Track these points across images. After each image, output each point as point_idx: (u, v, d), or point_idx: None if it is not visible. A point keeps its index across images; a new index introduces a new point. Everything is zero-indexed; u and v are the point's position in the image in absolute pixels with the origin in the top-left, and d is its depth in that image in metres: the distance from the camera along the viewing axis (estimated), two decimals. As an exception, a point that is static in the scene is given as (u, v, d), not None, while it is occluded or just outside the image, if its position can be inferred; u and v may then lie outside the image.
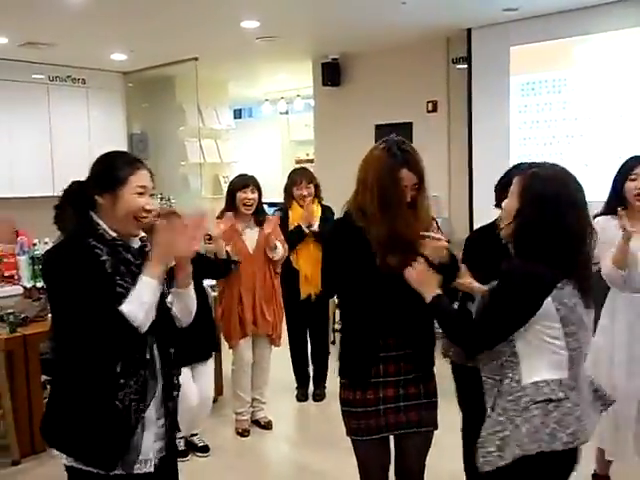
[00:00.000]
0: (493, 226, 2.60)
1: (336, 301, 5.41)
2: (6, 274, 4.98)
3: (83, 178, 2.03)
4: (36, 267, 5.01)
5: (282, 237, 4.30)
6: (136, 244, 2.02)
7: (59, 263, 1.89)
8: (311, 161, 8.23)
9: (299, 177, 4.66)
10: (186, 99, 7.68)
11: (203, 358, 3.92)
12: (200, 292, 3.77)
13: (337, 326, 6.38)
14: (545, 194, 1.91)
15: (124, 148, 7.64)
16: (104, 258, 1.89)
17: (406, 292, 2.16)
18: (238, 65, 7.32)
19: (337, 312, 6.12)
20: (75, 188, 2.04)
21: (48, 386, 4.40)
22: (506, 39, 5.77)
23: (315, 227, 4.53)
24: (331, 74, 7.00)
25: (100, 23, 5.44)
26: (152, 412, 1.98)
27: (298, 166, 9.19)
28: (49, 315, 4.18)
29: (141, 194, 1.96)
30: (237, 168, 8.56)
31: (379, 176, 2.26)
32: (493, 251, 2.42)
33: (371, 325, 2.28)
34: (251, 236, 4.15)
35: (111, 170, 1.96)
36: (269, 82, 8.62)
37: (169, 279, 2.06)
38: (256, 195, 4.13)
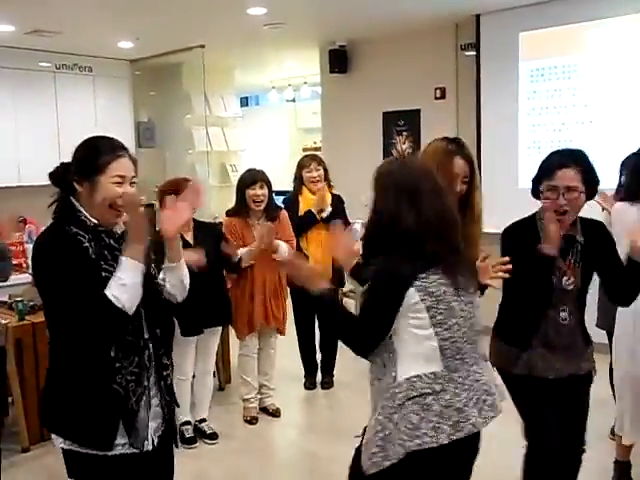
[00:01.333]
0: (533, 219, 2.56)
1: (344, 290, 5.40)
2: (14, 262, 4.99)
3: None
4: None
5: (290, 232, 4.29)
6: (119, 229, 2.01)
7: (44, 253, 1.90)
8: (318, 149, 8.19)
9: (308, 160, 4.68)
10: (193, 87, 7.64)
11: (216, 324, 3.97)
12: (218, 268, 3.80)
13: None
14: (393, 185, 1.95)
15: (131, 136, 7.65)
16: (86, 245, 1.89)
17: None
18: (245, 52, 7.28)
19: (344, 300, 6.12)
20: (60, 171, 2.01)
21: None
22: (516, 25, 5.70)
23: (326, 214, 4.52)
24: (338, 61, 6.94)
25: (107, 11, 5.41)
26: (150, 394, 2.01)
27: (306, 154, 9.27)
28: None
29: (119, 183, 1.93)
30: (244, 156, 8.56)
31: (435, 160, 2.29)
32: (531, 246, 2.44)
33: None
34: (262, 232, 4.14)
35: (90, 157, 1.93)
36: (276, 69, 8.57)
37: (160, 256, 2.07)
38: (265, 191, 4.10)
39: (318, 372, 4.97)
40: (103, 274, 1.88)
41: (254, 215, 4.15)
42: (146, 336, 1.99)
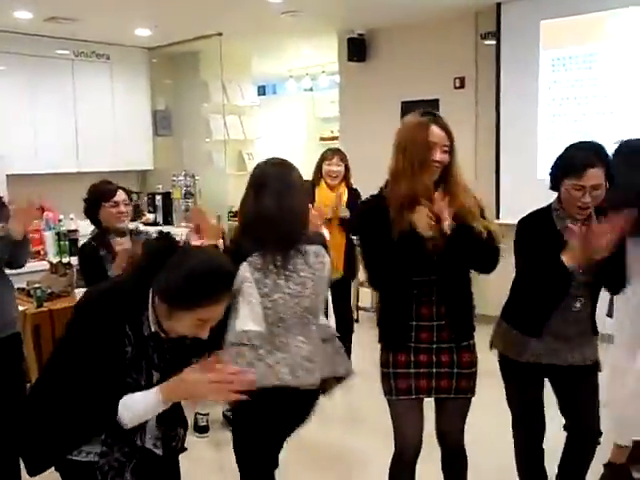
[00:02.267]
0: (549, 210, 2.55)
1: (360, 280, 5.39)
2: (32, 249, 5.03)
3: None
4: (62, 242, 5.07)
5: None
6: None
7: (91, 325, 1.74)
8: (336, 138, 8.16)
9: (331, 153, 4.69)
10: (210, 75, 7.62)
11: None
12: None
13: (360, 304, 6.38)
14: (254, 182, 2.42)
15: (148, 124, 7.69)
16: (127, 349, 1.75)
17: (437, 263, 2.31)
18: (262, 41, 7.24)
19: (360, 290, 6.12)
20: (163, 242, 1.82)
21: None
22: (537, 13, 5.62)
23: (342, 213, 4.50)
24: (357, 50, 6.89)
25: (124, -3, 5.41)
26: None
27: (323, 144, 9.24)
28: (75, 290, 4.23)
29: (201, 325, 1.78)
30: (261, 145, 8.54)
31: (408, 134, 2.34)
32: (547, 236, 2.49)
33: (404, 296, 2.38)
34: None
35: (189, 290, 1.71)
36: (294, 58, 8.52)
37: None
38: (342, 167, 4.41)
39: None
40: (127, 379, 1.78)
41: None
42: (138, 443, 1.87)
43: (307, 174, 4.86)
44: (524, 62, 5.76)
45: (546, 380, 2.70)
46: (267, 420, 2.35)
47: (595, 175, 2.38)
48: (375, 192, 2.49)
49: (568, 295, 2.49)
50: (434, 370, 2.41)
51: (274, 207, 2.32)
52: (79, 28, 6.34)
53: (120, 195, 3.31)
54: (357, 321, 5.72)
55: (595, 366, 2.64)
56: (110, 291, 1.84)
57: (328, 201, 4.49)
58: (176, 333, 1.80)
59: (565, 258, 2.37)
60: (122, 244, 3.29)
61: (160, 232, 1.91)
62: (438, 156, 2.29)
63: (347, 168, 4.64)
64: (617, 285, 2.58)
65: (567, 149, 2.51)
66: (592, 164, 2.38)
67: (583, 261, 2.37)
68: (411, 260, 2.29)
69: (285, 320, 2.33)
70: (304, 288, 2.36)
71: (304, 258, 2.38)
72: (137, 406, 1.75)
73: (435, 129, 2.30)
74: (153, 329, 1.78)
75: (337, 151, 4.76)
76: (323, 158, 4.67)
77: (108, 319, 1.73)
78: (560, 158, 2.51)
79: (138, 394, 1.76)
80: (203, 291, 1.70)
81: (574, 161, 2.42)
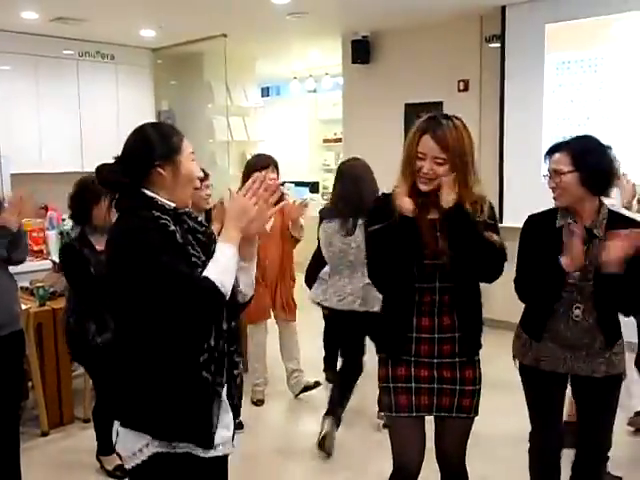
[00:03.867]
0: (555, 210, 2.53)
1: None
2: (35, 248, 5.04)
3: (108, 160, 1.87)
4: (65, 242, 5.05)
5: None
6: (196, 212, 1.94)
7: (131, 240, 1.74)
8: (339, 140, 8.17)
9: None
10: (214, 76, 7.64)
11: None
12: None
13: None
14: (336, 174, 3.92)
15: (152, 125, 7.65)
16: (172, 228, 1.79)
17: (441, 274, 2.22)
18: (267, 42, 7.25)
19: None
20: (111, 169, 1.84)
21: (75, 361, 4.46)
22: (542, 16, 5.61)
23: None
24: (361, 52, 6.89)
25: (130, -2, 5.42)
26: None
27: (326, 145, 9.24)
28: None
29: (193, 160, 1.90)
30: (264, 146, 8.54)
31: (406, 141, 2.28)
32: (546, 233, 2.48)
33: (404, 305, 2.27)
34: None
35: (164, 138, 1.85)
36: (298, 60, 8.54)
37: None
38: (276, 175, 4.07)
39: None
40: (192, 259, 1.79)
41: None
42: (224, 327, 1.87)
43: (310, 175, 4.87)
44: (529, 65, 5.75)
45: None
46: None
47: (554, 159, 2.46)
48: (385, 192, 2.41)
49: (563, 299, 2.44)
50: (435, 386, 2.28)
51: (344, 191, 3.67)
52: (84, 28, 6.36)
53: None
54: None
55: (608, 380, 2.50)
56: (123, 218, 1.84)
57: None
58: (183, 196, 1.88)
59: (563, 260, 2.35)
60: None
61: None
62: (426, 168, 2.15)
63: None
64: (630, 308, 2.52)
65: None
66: (555, 149, 2.48)
67: (580, 266, 2.35)
68: (407, 254, 2.18)
69: (337, 266, 3.74)
70: (350, 247, 3.64)
71: (359, 228, 3.49)
72: (218, 261, 1.75)
73: (426, 139, 2.15)
74: (172, 206, 1.85)
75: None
76: None
77: (141, 221, 1.77)
78: None
79: (213, 259, 1.77)
80: (171, 129, 1.91)
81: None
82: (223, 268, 1.74)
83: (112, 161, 1.87)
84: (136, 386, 1.81)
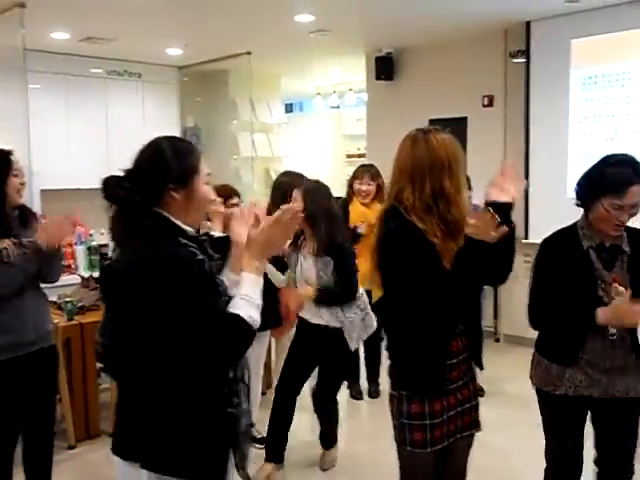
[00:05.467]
0: (574, 228, 2.44)
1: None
2: (64, 263, 5.10)
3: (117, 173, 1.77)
4: (93, 257, 5.12)
5: None
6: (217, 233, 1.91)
7: (163, 269, 1.63)
8: (362, 156, 8.18)
9: (362, 172, 4.66)
10: (239, 93, 7.72)
11: (267, 326, 3.90)
12: None
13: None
14: None
15: (178, 141, 7.74)
16: (200, 257, 1.69)
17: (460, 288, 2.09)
18: (291, 59, 7.33)
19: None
20: (120, 183, 1.73)
21: (102, 374, 4.50)
22: (567, 31, 5.61)
23: (361, 230, 4.47)
24: (385, 68, 6.92)
25: (156, 18, 5.52)
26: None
27: (349, 161, 9.27)
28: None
29: (207, 183, 1.80)
30: (288, 162, 8.59)
31: None
32: (573, 256, 2.37)
33: (441, 330, 2.13)
34: None
35: (181, 160, 1.73)
36: (321, 76, 8.60)
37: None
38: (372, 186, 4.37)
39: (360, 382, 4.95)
40: (219, 288, 1.73)
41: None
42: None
43: (334, 191, 4.88)
44: (554, 80, 5.73)
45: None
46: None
47: (636, 192, 2.27)
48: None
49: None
50: (459, 409, 2.21)
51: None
52: (112, 47, 6.48)
53: None
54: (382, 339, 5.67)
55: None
56: (149, 242, 1.71)
57: (363, 217, 4.50)
58: (195, 220, 1.81)
59: (600, 313, 2.27)
60: None
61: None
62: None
63: (379, 186, 4.56)
64: None
65: (602, 165, 2.38)
66: (633, 182, 2.27)
67: (618, 325, 2.28)
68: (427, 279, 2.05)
69: None
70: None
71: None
72: (251, 298, 1.69)
73: None
74: (191, 232, 1.77)
75: (369, 170, 4.66)
76: (354, 177, 4.67)
77: (170, 249, 1.68)
78: (597, 175, 2.37)
79: (242, 291, 1.71)
80: (189, 147, 1.81)
81: (615, 179, 2.29)
82: (254, 304, 1.69)
83: (120, 173, 1.75)
84: (153, 423, 1.74)
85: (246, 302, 1.68)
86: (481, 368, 2.29)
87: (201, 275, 1.67)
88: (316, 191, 3.47)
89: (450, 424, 2.19)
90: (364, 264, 4.47)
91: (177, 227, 1.73)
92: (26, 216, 2.97)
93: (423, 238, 2.06)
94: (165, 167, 1.72)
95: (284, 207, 1.75)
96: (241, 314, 1.65)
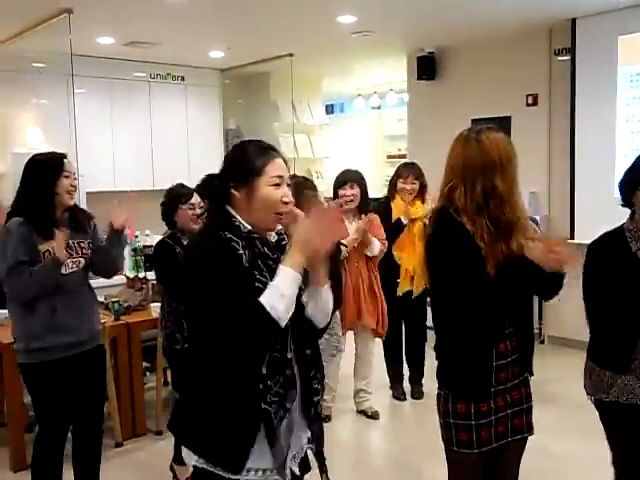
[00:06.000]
0: (621, 231, 2.39)
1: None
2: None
3: (216, 171, 1.91)
4: (138, 258, 5.22)
5: (382, 233, 4.31)
6: (273, 238, 1.91)
7: (197, 258, 1.79)
8: (403, 156, 8.14)
9: (407, 171, 4.66)
10: (280, 95, 7.76)
11: None
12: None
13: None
14: None
15: (220, 143, 7.84)
16: (240, 252, 1.77)
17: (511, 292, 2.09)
18: (332, 61, 7.32)
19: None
20: (210, 181, 1.89)
21: (147, 373, 4.59)
22: (614, 28, 5.48)
23: (405, 221, 4.55)
24: (426, 68, 6.87)
25: (200, 22, 5.58)
26: (293, 419, 1.86)
27: (390, 161, 9.24)
28: (151, 304, 4.36)
29: (278, 185, 1.83)
30: (329, 163, 8.61)
31: None
32: (621, 261, 2.32)
33: (487, 332, 2.11)
34: (352, 231, 4.20)
35: (245, 160, 1.84)
36: (362, 77, 8.58)
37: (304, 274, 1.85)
38: (355, 190, 4.23)
39: (404, 382, 4.93)
40: (256, 284, 1.76)
41: (345, 214, 4.21)
42: (289, 355, 1.83)
43: (374, 191, 4.88)
44: (600, 78, 5.61)
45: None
46: None
47: None
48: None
49: None
50: (509, 411, 2.18)
51: None
52: (156, 51, 6.58)
53: (196, 198, 3.42)
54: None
55: None
56: (199, 234, 1.95)
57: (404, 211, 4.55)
58: (262, 220, 1.85)
59: None
60: None
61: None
62: None
63: (423, 185, 4.60)
64: None
65: (638, 158, 2.37)
66: None
67: None
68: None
69: None
70: None
71: None
72: (277, 287, 1.73)
73: None
74: (247, 228, 1.83)
75: (412, 169, 4.68)
76: (398, 175, 4.67)
77: (210, 240, 1.81)
78: (635, 167, 2.36)
79: (273, 280, 1.75)
80: (261, 150, 1.87)
81: None
82: (279, 293, 1.72)
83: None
84: (190, 404, 1.88)
85: (272, 291, 1.73)
86: (531, 374, 2.26)
87: (231, 268, 1.74)
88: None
89: (499, 426, 2.17)
90: (406, 260, 4.53)
91: (232, 223, 1.83)
92: (78, 218, 3.04)
93: (470, 240, 2.05)
94: (230, 167, 1.87)
95: (326, 203, 1.82)
96: (263, 301, 1.71)
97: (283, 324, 1.72)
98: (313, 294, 1.89)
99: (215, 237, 1.80)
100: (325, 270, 1.89)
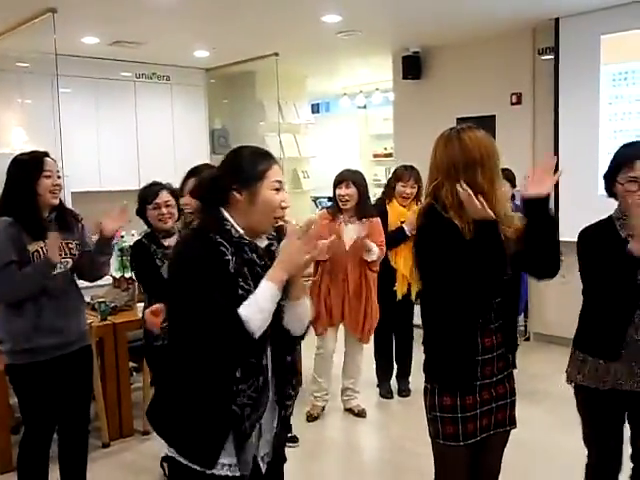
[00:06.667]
0: (610, 220, 2.50)
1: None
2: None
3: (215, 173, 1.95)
4: (124, 258, 5.19)
5: (381, 237, 4.29)
6: (263, 243, 1.95)
7: (184, 259, 1.84)
8: (389, 155, 8.18)
9: (407, 174, 4.58)
10: (266, 94, 7.76)
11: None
12: None
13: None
14: None
15: (206, 143, 7.84)
16: (228, 257, 1.81)
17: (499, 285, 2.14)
18: (318, 60, 7.34)
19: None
20: (209, 183, 1.93)
21: (134, 373, 4.58)
22: (597, 27, 5.53)
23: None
24: (412, 67, 6.90)
25: (185, 22, 5.57)
26: (264, 420, 1.93)
27: (376, 160, 9.27)
28: (137, 305, 4.34)
29: (277, 190, 1.90)
30: (315, 163, 8.62)
31: None
32: (611, 245, 2.41)
33: (474, 326, 2.15)
34: (350, 232, 4.19)
35: (248, 164, 1.89)
36: (348, 76, 8.60)
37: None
38: (351, 190, 4.18)
39: (392, 380, 4.96)
40: (239, 292, 1.80)
41: (344, 213, 4.24)
42: (264, 362, 1.89)
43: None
44: (583, 77, 5.67)
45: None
46: None
47: None
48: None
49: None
50: (493, 405, 2.23)
51: None
52: (141, 51, 6.56)
53: (162, 197, 3.33)
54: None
55: None
56: (189, 234, 1.98)
57: (402, 217, 4.50)
58: (260, 223, 1.90)
59: (631, 244, 2.31)
60: (170, 244, 3.31)
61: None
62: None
63: (419, 188, 4.54)
64: None
65: (619, 149, 2.53)
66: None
67: None
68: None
69: None
70: None
71: None
72: (257, 300, 1.78)
73: None
74: (239, 233, 1.87)
75: (413, 172, 4.58)
76: (398, 178, 4.60)
77: (199, 243, 1.84)
78: (611, 160, 2.51)
79: (252, 295, 1.80)
80: (261, 156, 1.93)
81: (625, 155, 2.43)
82: (258, 306, 1.77)
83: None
84: (166, 395, 1.95)
85: (251, 304, 1.78)
86: (514, 367, 2.31)
87: (216, 273, 1.78)
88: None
89: (483, 419, 2.21)
90: (402, 265, 4.53)
91: (223, 226, 1.86)
92: (66, 218, 3.03)
93: (458, 234, 2.10)
94: (232, 170, 1.90)
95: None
96: (241, 313, 1.76)
97: (257, 336, 1.77)
98: (290, 307, 1.95)
99: (205, 240, 1.83)
100: (302, 285, 1.97)
